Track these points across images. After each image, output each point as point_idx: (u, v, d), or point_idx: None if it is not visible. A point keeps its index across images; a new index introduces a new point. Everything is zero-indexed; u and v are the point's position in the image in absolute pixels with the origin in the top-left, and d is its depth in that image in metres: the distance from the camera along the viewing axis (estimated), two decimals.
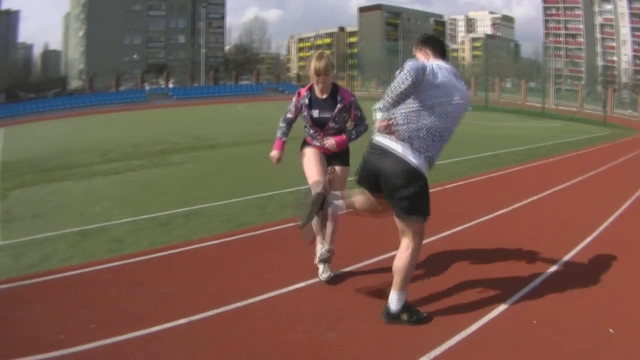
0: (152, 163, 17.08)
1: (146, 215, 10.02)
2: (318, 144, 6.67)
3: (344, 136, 6.68)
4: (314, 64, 6.40)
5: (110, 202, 11.38)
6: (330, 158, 6.71)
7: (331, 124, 6.58)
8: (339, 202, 6.08)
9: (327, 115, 6.56)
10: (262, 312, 5.75)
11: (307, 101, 6.60)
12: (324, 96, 6.59)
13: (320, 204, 5.92)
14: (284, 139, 6.81)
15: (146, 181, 14.01)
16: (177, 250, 7.94)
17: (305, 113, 6.59)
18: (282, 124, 6.83)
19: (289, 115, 6.80)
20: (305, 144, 6.83)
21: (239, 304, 5.93)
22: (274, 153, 6.75)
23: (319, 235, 6.62)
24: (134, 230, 9.05)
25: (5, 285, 6.68)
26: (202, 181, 13.84)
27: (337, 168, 6.74)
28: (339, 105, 6.55)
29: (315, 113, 6.57)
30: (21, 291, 6.51)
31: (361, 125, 6.76)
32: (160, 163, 17.06)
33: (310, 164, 6.53)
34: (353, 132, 6.74)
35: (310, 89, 6.67)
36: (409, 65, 5.03)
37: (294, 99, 6.72)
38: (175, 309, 5.77)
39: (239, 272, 6.95)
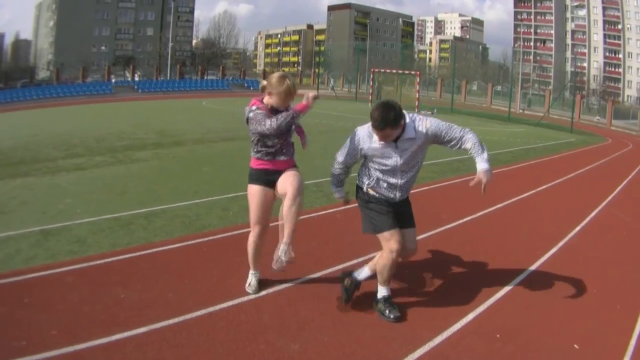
0: (115, 159, 16.91)
1: (108, 215, 9.96)
2: (283, 157, 6.36)
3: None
4: (286, 84, 6.11)
5: (73, 199, 11.29)
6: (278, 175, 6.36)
7: (294, 127, 6.42)
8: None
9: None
10: (223, 321, 5.80)
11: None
12: (282, 107, 6.23)
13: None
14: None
15: (109, 178, 13.89)
16: (139, 253, 7.94)
17: None
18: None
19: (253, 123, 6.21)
20: (254, 176, 6.45)
21: (200, 312, 5.98)
22: (311, 95, 6.20)
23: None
24: (96, 231, 9.01)
25: None
26: (165, 180, 13.78)
27: (290, 173, 6.32)
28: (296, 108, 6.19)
29: None
30: None
31: None
32: (124, 160, 16.90)
33: (257, 207, 6.39)
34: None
35: (261, 103, 6.31)
36: None
37: (260, 118, 6.11)
38: (137, 315, 5.81)
39: (200, 278, 6.98)
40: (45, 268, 7.20)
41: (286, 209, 6.06)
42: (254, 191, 6.39)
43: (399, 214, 6.35)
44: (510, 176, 17.44)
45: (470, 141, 6.06)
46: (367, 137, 6.14)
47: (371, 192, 6.33)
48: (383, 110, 5.83)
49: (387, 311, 6.15)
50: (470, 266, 8.06)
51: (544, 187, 15.37)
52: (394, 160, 6.09)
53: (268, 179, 6.37)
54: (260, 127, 6.11)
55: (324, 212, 10.53)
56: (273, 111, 6.21)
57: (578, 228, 10.77)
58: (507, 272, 7.79)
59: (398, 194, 6.29)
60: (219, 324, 5.74)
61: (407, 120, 6.04)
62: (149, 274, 7.11)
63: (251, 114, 6.23)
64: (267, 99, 6.28)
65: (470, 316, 6.26)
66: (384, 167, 6.16)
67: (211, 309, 6.08)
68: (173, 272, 7.17)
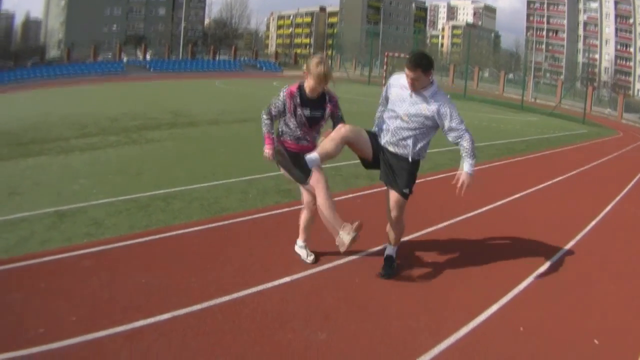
0: (130, 139, 16.74)
1: (125, 197, 9.77)
2: (306, 142, 6.71)
3: None
4: (321, 69, 6.40)
5: (88, 180, 11.08)
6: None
7: (322, 123, 6.72)
8: (314, 156, 6.30)
9: (318, 114, 6.63)
10: (248, 309, 5.63)
11: (298, 100, 6.55)
12: (314, 96, 6.59)
13: (281, 157, 6.75)
14: (272, 134, 6.70)
15: (124, 158, 13.70)
16: (158, 236, 7.74)
17: (299, 111, 6.52)
18: (266, 118, 6.67)
19: (275, 112, 6.64)
20: (283, 149, 6.78)
21: (223, 299, 5.80)
22: (268, 151, 6.66)
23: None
24: (113, 213, 8.80)
25: None
26: (181, 161, 13.57)
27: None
28: (329, 105, 6.72)
29: (307, 112, 6.56)
30: None
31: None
32: (138, 139, 16.72)
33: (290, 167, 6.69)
34: None
35: (300, 88, 6.63)
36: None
37: (286, 96, 6.56)
38: (158, 302, 5.63)
39: (222, 264, 6.81)
40: (61, 251, 7.00)
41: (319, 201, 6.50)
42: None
43: (389, 165, 6.82)
44: (526, 166, 17.34)
45: (467, 141, 6.57)
46: (398, 77, 6.83)
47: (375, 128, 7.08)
48: (419, 54, 6.61)
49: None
50: (490, 257, 7.86)
51: (559, 178, 15.18)
52: (402, 105, 6.64)
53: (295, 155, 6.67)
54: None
55: (344, 197, 10.35)
56: (303, 101, 6.59)
57: (594, 222, 10.60)
58: (527, 265, 7.66)
59: (385, 138, 6.81)
60: (243, 311, 5.56)
61: (435, 84, 6.66)
62: (169, 258, 6.92)
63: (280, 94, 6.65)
64: (307, 82, 6.58)
65: (494, 307, 6.16)
66: (392, 108, 6.77)
67: (235, 295, 5.90)
68: (194, 257, 7.00)
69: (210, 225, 8.36)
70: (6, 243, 7.32)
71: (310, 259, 6.99)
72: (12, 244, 7.30)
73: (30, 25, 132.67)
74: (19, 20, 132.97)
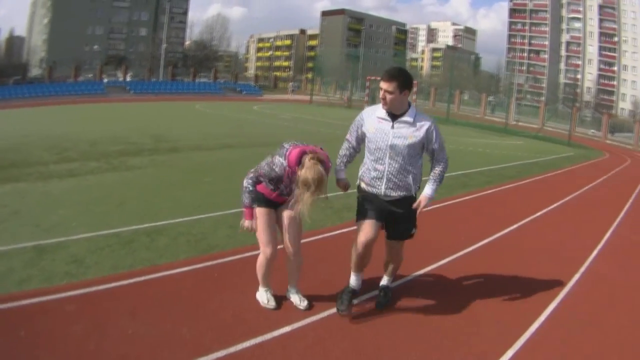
0: (110, 166, 16.19)
1: (107, 231, 9.28)
2: (285, 196, 6.36)
3: None
4: (309, 194, 5.81)
5: (68, 210, 10.59)
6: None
7: None
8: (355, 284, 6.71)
9: None
10: None
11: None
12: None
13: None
14: (254, 206, 6.45)
15: (105, 187, 13.18)
16: (144, 277, 7.26)
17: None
18: (251, 187, 6.45)
19: (263, 180, 6.39)
20: (259, 198, 6.41)
21: (220, 353, 5.36)
22: (247, 224, 6.44)
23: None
24: (95, 249, 8.31)
25: None
26: (164, 191, 13.09)
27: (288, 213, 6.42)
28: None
29: None
30: None
31: None
32: (119, 166, 16.18)
33: (266, 229, 6.41)
34: None
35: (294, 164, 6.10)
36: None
37: (284, 173, 6.13)
38: (149, 355, 5.18)
39: (215, 310, 6.36)
40: (42, 293, 6.53)
41: (290, 265, 6.68)
42: (260, 213, 6.40)
43: (389, 215, 6.47)
44: (518, 193, 17.19)
45: (439, 167, 6.51)
46: (371, 110, 6.50)
47: (362, 184, 6.57)
48: (398, 68, 6.33)
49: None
50: (499, 296, 7.54)
51: (555, 205, 15.12)
52: (386, 140, 6.25)
53: (272, 203, 6.48)
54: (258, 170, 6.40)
55: (337, 231, 9.98)
56: (276, 180, 6.29)
57: (596, 252, 10.43)
58: (537, 303, 7.38)
59: (383, 186, 6.36)
60: None
61: (413, 106, 6.36)
62: (157, 303, 6.45)
63: (277, 159, 6.21)
64: (299, 170, 5.94)
65: (510, 352, 5.82)
66: (375, 146, 6.33)
67: (232, 349, 5.44)
68: (184, 302, 6.53)
69: (199, 266, 7.90)
70: None
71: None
72: None
73: (15, 41, 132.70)
74: (3, 37, 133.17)
